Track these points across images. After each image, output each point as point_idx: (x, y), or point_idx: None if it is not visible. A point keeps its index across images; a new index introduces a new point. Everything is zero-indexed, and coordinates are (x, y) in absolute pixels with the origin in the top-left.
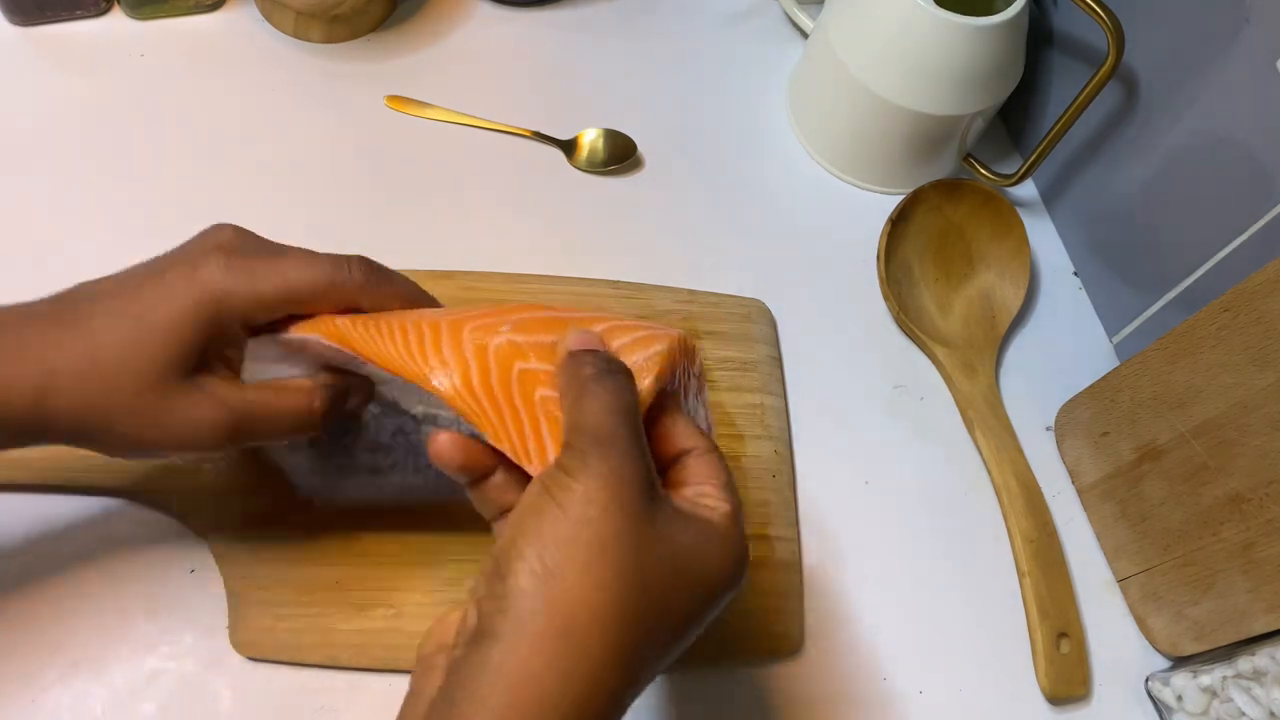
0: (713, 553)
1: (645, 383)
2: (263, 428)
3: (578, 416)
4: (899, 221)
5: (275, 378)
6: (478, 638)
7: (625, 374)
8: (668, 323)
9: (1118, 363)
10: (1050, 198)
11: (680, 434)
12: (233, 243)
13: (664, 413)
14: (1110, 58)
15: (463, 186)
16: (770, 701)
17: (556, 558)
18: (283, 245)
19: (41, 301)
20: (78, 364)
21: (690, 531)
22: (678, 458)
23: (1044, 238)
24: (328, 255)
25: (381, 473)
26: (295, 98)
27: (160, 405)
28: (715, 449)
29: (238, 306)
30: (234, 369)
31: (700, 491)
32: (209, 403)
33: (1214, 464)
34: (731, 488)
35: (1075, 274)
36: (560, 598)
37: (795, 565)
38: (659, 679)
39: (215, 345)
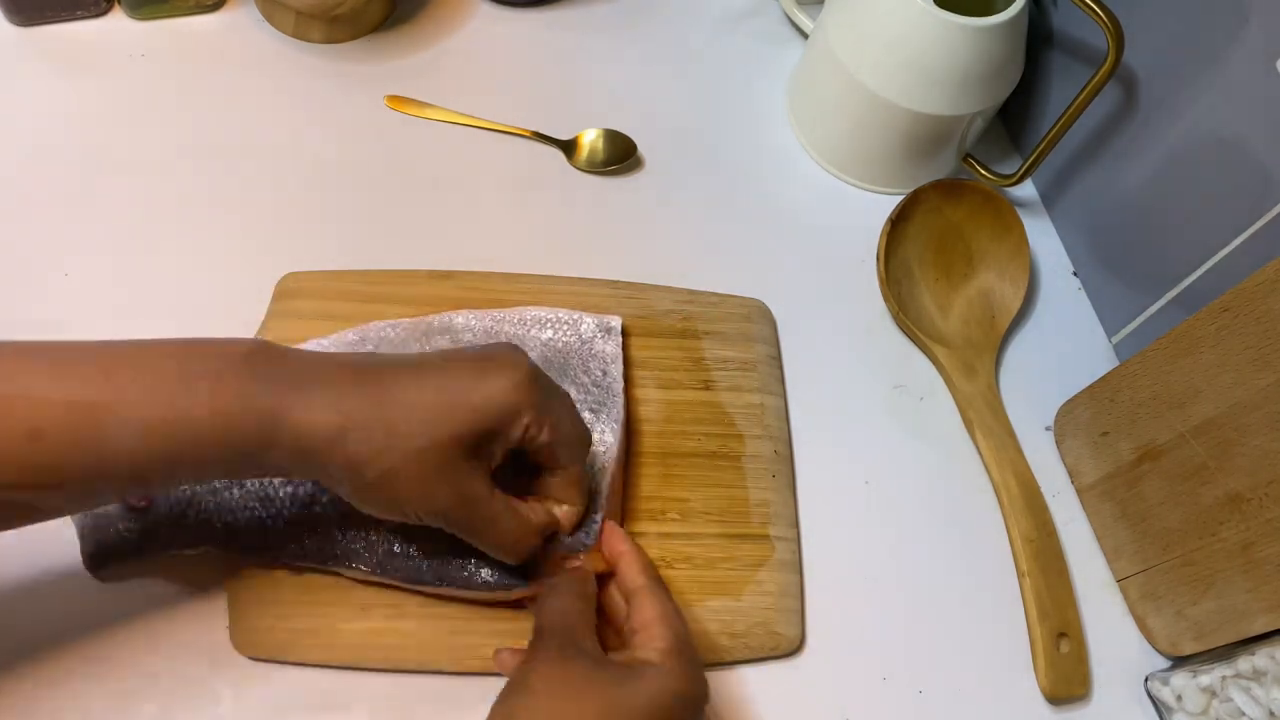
0: (653, 690)
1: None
2: (475, 533)
3: (538, 618)
4: (899, 221)
5: None
6: None
7: (578, 580)
8: (668, 323)
9: (1117, 363)
10: (1050, 198)
11: (627, 577)
12: (538, 379)
13: (620, 560)
14: (1110, 58)
15: (462, 186)
16: (770, 701)
17: None
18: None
19: (342, 363)
20: (379, 411)
21: (629, 679)
22: (631, 594)
23: (1043, 238)
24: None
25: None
26: (295, 98)
27: (438, 469)
28: (653, 582)
29: (519, 440)
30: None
31: (646, 635)
32: (467, 485)
33: (1214, 464)
34: (669, 617)
35: (1075, 274)
36: None
37: (795, 565)
38: None
39: (491, 443)
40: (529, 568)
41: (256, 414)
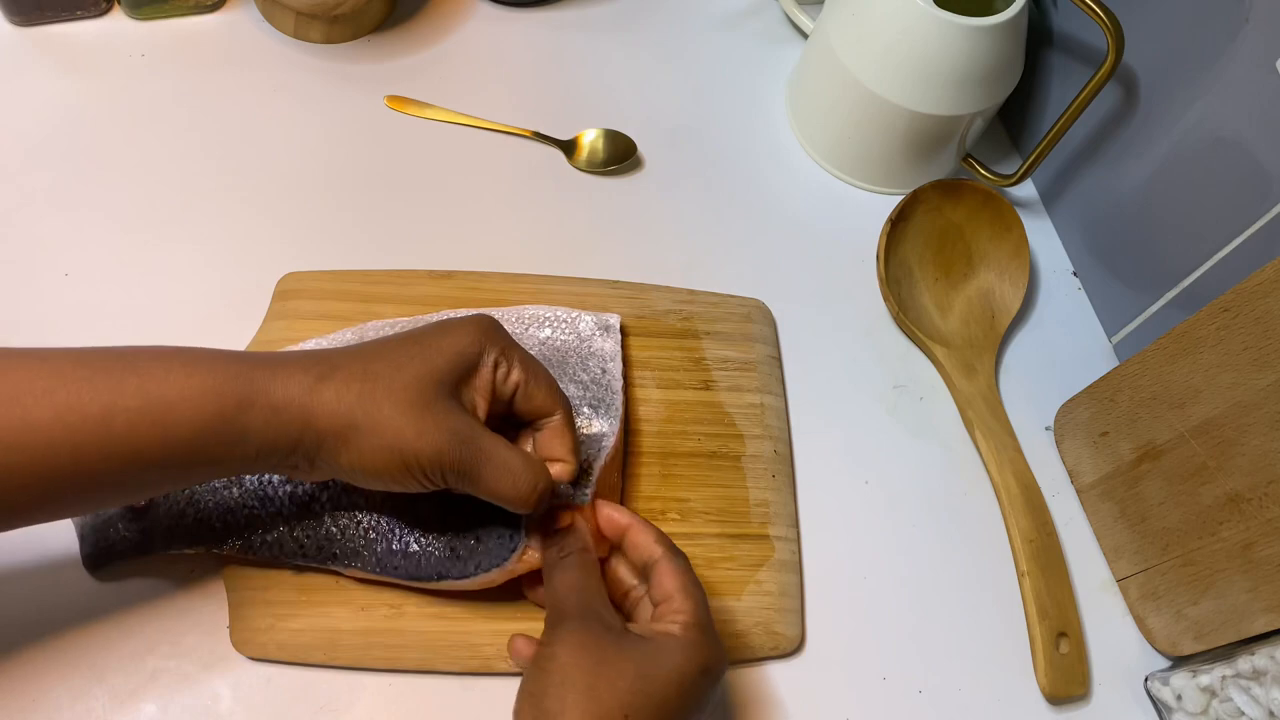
0: (680, 662)
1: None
2: (480, 473)
3: (549, 595)
4: (899, 221)
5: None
6: None
7: (581, 552)
8: (668, 323)
9: (1117, 363)
10: (1050, 198)
11: (642, 546)
12: (498, 328)
13: (630, 531)
14: (1110, 58)
15: (463, 186)
16: (770, 701)
17: (547, 706)
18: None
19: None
20: (353, 364)
21: (655, 652)
22: (649, 564)
23: (1043, 238)
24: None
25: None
26: (295, 98)
27: (421, 407)
28: (671, 551)
29: (492, 380)
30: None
31: (666, 607)
32: (455, 420)
33: (1214, 464)
34: (690, 588)
35: (1074, 274)
36: None
37: (795, 565)
38: None
39: (468, 388)
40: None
41: (234, 394)
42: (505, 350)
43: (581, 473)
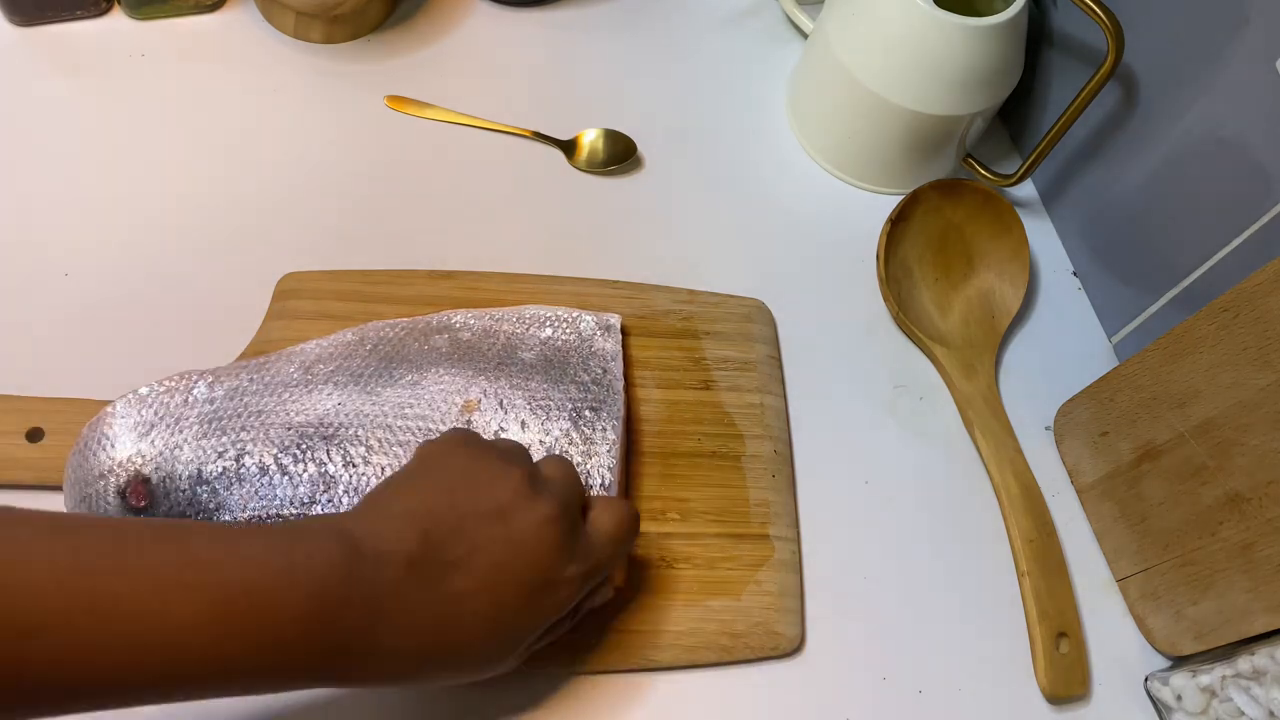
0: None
1: None
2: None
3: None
4: (899, 221)
5: None
6: None
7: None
8: (668, 323)
9: (1117, 363)
10: (1050, 198)
11: None
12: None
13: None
14: (1110, 58)
15: (463, 186)
16: (770, 701)
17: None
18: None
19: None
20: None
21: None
22: None
23: (1043, 238)
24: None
25: None
26: (295, 98)
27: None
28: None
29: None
30: None
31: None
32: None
33: (1213, 464)
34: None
35: (1074, 274)
36: None
37: (795, 565)
38: (658, 679)
39: None
40: None
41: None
42: (575, 540)
43: (603, 486)
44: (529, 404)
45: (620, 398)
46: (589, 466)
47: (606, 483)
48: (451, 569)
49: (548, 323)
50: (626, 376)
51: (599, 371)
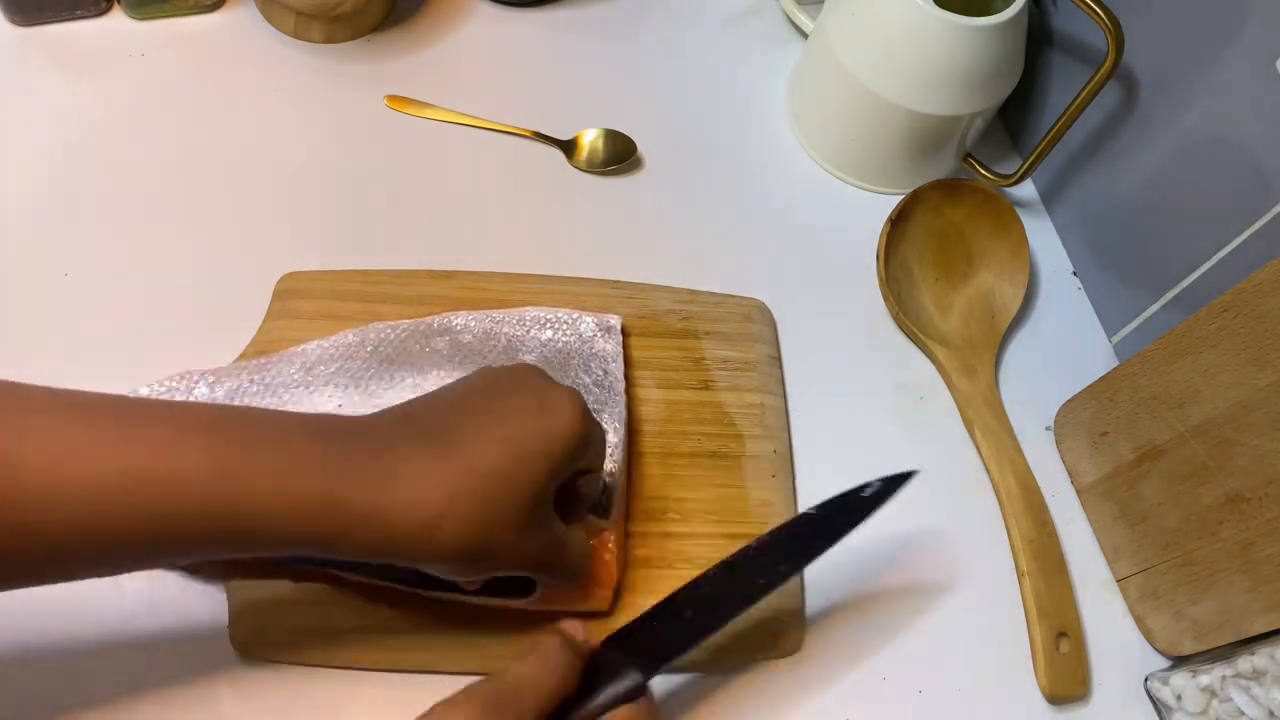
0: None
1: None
2: (562, 567)
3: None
4: (899, 221)
5: None
6: None
7: (558, 648)
8: (668, 323)
9: (1117, 363)
10: (1049, 198)
11: None
12: (582, 400)
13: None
14: (1110, 58)
15: (463, 186)
16: (770, 701)
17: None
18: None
19: (403, 423)
20: (470, 491)
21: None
22: None
23: (1043, 238)
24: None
25: None
26: (295, 98)
27: (535, 522)
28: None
29: (578, 463)
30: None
31: None
32: (556, 524)
33: (1213, 464)
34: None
35: (1074, 274)
36: None
37: None
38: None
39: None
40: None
41: (336, 505)
42: (595, 434)
43: (605, 490)
44: None
45: (622, 399)
46: None
47: (610, 485)
48: (462, 435)
49: (548, 325)
50: (626, 377)
51: (600, 373)
